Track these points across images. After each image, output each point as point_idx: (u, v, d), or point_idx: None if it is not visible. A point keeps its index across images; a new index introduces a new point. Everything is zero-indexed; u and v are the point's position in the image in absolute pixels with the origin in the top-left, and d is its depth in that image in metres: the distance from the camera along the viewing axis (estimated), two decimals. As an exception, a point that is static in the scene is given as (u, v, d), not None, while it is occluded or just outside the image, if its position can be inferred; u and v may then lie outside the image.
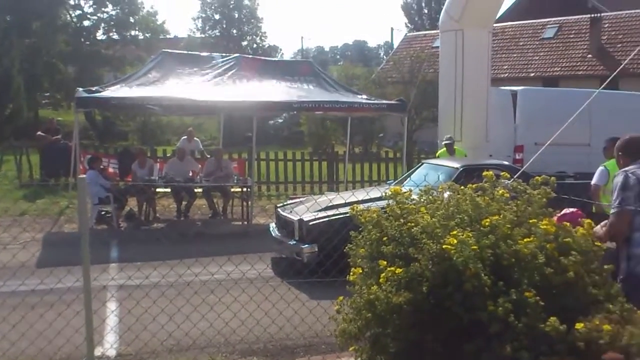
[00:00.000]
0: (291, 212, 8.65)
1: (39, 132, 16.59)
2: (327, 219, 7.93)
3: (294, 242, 8.14)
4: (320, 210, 8.03)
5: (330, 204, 7.87)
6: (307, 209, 7.97)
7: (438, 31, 14.45)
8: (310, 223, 7.95)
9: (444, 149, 11.93)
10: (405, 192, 4.46)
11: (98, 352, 5.02)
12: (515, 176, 5.02)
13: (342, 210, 7.80)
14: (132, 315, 5.46)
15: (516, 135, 14.07)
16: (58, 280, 5.43)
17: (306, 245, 7.86)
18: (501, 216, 4.03)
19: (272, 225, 9.17)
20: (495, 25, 15.82)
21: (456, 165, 9.45)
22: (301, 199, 9.79)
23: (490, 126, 13.11)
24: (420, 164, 10.75)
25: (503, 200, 4.30)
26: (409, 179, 9.34)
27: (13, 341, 5.08)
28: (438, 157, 11.77)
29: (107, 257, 8.96)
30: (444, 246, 3.75)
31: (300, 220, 8.10)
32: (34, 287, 6.09)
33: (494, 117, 13.31)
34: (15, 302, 5.98)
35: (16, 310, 5.69)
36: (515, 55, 28.02)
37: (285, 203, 9.70)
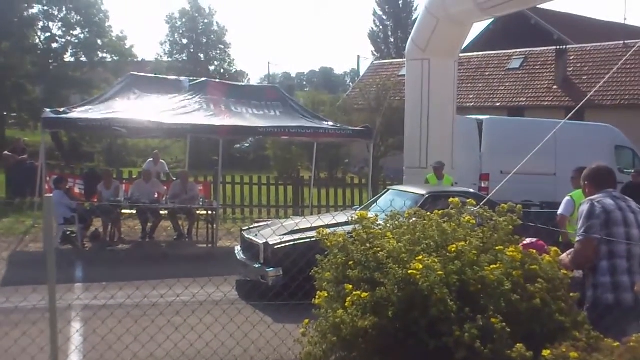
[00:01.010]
0: (256, 235, 8.66)
1: (5, 152, 16.36)
2: (292, 242, 7.97)
3: (259, 265, 8.15)
4: (285, 234, 8.07)
5: (296, 228, 7.92)
6: (272, 233, 8.00)
7: (404, 59, 14.73)
8: (276, 246, 7.97)
9: (432, 173, 11.99)
10: (371, 217, 4.52)
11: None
12: (481, 203, 5.14)
13: (307, 234, 7.82)
14: (97, 335, 5.44)
15: (482, 163, 14.34)
16: (23, 299, 5.34)
17: (271, 269, 7.89)
18: (467, 242, 4.10)
19: (238, 248, 9.16)
20: (461, 55, 16.20)
21: (422, 192, 9.58)
22: (267, 223, 9.81)
23: (456, 154, 13.34)
24: (386, 190, 10.86)
25: (469, 227, 4.38)
26: (375, 204, 9.43)
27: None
28: (427, 180, 11.82)
29: (72, 276, 8.83)
30: (409, 271, 3.80)
31: (266, 244, 8.12)
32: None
33: (460, 145, 13.55)
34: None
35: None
36: (481, 84, 28.63)
37: (250, 226, 9.70)
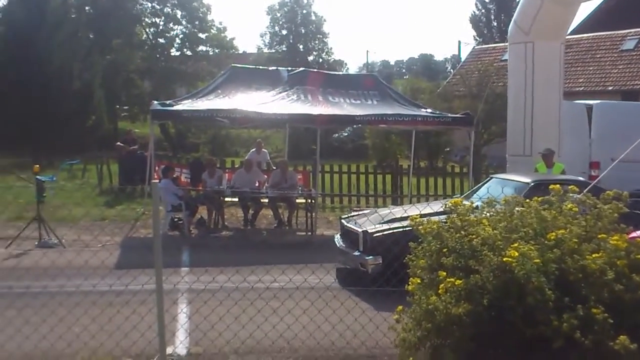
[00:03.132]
0: (355, 223, 8.72)
1: (118, 143, 17.38)
2: (390, 231, 7.97)
3: (359, 253, 8.17)
4: (383, 223, 8.09)
5: (393, 217, 7.94)
6: (370, 221, 7.99)
7: (507, 44, 14.23)
8: (375, 235, 8.01)
9: (541, 161, 11.57)
10: (466, 205, 4.45)
11: (169, 350, 5.24)
12: (585, 190, 4.92)
13: (404, 222, 7.87)
14: (200, 315, 5.73)
15: (591, 150, 13.63)
16: (133, 280, 5.70)
17: (370, 257, 7.89)
18: (568, 230, 3.96)
19: (337, 236, 9.26)
20: (569, 37, 15.40)
21: (526, 180, 9.18)
22: (365, 212, 9.84)
23: (563, 141, 12.75)
24: (489, 178, 10.56)
25: (571, 215, 4.22)
26: (475, 193, 9.21)
27: (93, 333, 5.38)
28: (536, 169, 11.43)
29: (178, 261, 9.30)
30: (505, 259, 3.73)
31: (365, 232, 8.15)
32: (111, 285, 6.40)
33: (568, 131, 12.94)
34: (95, 298, 6.39)
35: (96, 305, 6.07)
36: (592, 67, 27.12)
37: (350, 215, 9.77)
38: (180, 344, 5.70)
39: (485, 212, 4.45)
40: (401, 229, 7.70)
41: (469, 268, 3.93)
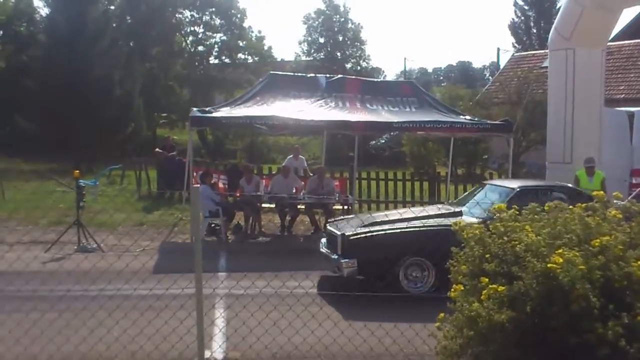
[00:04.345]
0: (337, 227, 8.66)
1: (156, 149, 17.63)
2: (368, 234, 7.95)
3: (336, 257, 8.03)
4: (363, 226, 8.16)
5: (374, 221, 8.11)
6: (351, 225, 8.14)
7: (547, 50, 14.04)
8: (351, 237, 7.91)
9: (583, 169, 11.38)
10: (510, 211, 4.41)
11: (207, 354, 5.28)
12: (631, 196, 4.83)
13: (385, 226, 8.06)
14: (239, 319, 5.79)
15: (633, 158, 13.36)
16: (172, 284, 5.78)
17: (345, 260, 7.79)
18: (612, 237, 3.89)
19: (322, 240, 9.16)
20: (610, 43, 15.13)
21: (513, 185, 9.13)
22: (352, 216, 9.82)
23: (604, 148, 12.51)
24: (481, 184, 10.44)
25: (615, 221, 4.15)
26: (470, 199, 9.13)
27: (132, 336, 5.47)
28: (577, 177, 11.22)
29: (215, 266, 9.39)
30: (549, 265, 3.68)
31: (342, 235, 8.05)
32: (151, 289, 6.50)
33: (608, 139, 12.70)
34: (134, 302, 6.49)
35: (136, 308, 6.16)
36: (633, 74, 26.50)
37: (335, 219, 9.73)
38: (218, 348, 5.75)
39: (528, 217, 4.38)
40: (379, 232, 7.92)
41: (511, 274, 3.89)
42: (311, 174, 14.61)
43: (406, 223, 8.09)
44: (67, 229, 10.54)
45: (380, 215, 8.58)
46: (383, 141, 29.76)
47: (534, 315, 3.69)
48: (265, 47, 36.87)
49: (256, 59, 36.14)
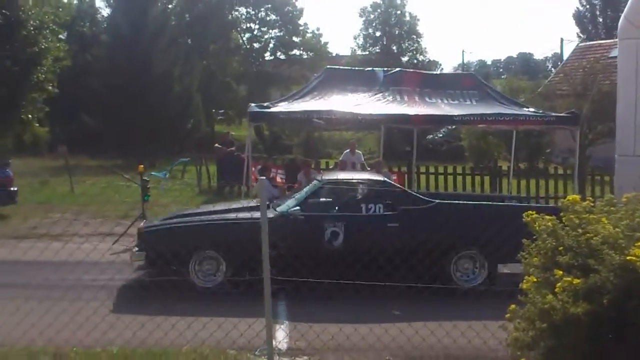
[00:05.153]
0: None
1: (216, 145, 17.95)
2: (159, 227, 7.85)
3: (137, 250, 7.72)
4: (169, 218, 8.24)
5: (183, 213, 8.25)
6: (161, 217, 8.28)
7: (615, 40, 13.53)
8: (143, 230, 7.74)
9: None
10: (584, 203, 4.25)
11: (273, 343, 5.31)
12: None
13: (186, 219, 8.04)
14: (303, 311, 5.89)
15: None
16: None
17: (136, 252, 7.57)
18: (695, 229, 3.71)
19: None
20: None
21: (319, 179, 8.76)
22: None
23: (676, 141, 11.93)
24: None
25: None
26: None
27: (204, 323, 5.57)
28: None
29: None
30: (628, 257, 3.55)
31: (139, 228, 7.96)
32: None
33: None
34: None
35: (204, 296, 6.22)
36: None
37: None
38: (282, 339, 5.79)
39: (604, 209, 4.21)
40: (169, 226, 7.77)
41: (586, 267, 3.76)
42: (368, 168, 14.55)
43: (204, 217, 8.03)
44: (133, 222, 10.77)
45: (191, 209, 8.74)
46: (440, 135, 29.35)
47: (611, 309, 3.57)
48: (321, 43, 36.97)
49: (311, 54, 36.28)
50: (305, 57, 36.79)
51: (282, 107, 12.74)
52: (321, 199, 7.91)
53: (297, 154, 28.30)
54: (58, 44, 20.05)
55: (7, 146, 24.64)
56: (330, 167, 15.88)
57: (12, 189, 13.02)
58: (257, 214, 6.67)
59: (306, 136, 29.21)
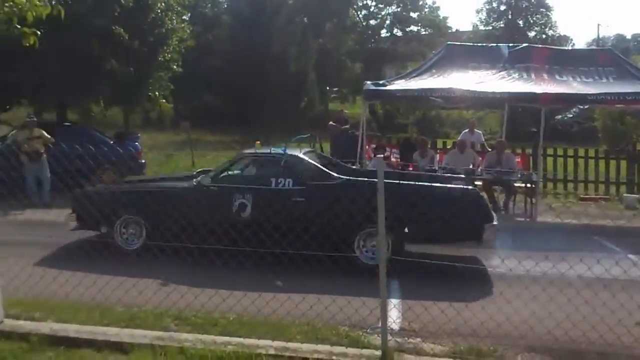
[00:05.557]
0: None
1: (330, 122, 17.84)
2: (90, 190, 8.49)
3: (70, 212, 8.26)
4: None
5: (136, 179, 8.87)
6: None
7: None
8: (76, 192, 8.23)
9: None
10: None
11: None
12: None
13: (125, 185, 8.73)
14: (417, 293, 5.76)
15: None
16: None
17: (70, 212, 8.14)
18: None
19: None
20: None
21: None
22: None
23: None
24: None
25: None
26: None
27: (311, 303, 5.42)
28: None
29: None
30: None
31: (74, 190, 8.34)
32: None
33: None
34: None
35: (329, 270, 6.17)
36: None
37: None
38: (395, 319, 5.59)
39: None
40: (97, 190, 8.54)
41: None
42: (489, 149, 13.84)
43: (139, 183, 8.74)
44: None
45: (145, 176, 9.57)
46: (571, 115, 27.57)
47: None
48: (440, 18, 35.86)
49: (430, 30, 35.30)
50: (424, 33, 35.86)
51: (399, 85, 12.50)
52: (236, 172, 8.25)
53: (411, 133, 27.73)
54: (182, 25, 20.80)
55: (136, 121, 26.07)
56: (448, 147, 15.25)
57: (141, 161, 14.07)
58: (180, 184, 7.99)
59: (422, 115, 28.55)
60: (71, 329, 4.94)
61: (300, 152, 8.38)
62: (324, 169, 7.87)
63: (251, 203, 7.54)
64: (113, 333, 4.89)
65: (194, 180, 8.06)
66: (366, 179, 7.57)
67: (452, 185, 7.91)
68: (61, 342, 4.72)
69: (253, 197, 7.57)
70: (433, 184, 7.81)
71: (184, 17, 22.12)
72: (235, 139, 22.21)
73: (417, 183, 7.83)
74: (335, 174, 7.78)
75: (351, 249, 7.35)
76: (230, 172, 8.15)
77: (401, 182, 7.63)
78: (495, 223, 7.28)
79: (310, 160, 8.02)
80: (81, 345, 4.67)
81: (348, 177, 7.81)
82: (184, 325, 5.18)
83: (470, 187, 7.87)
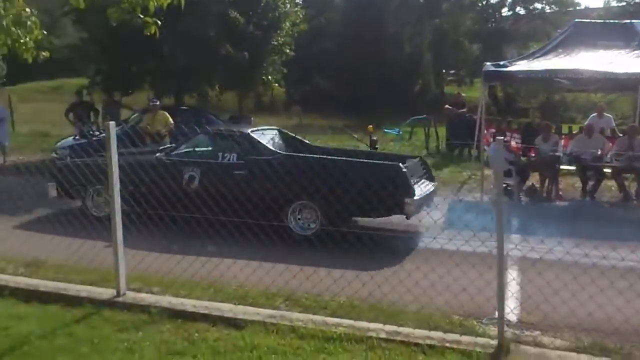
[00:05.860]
0: None
1: (446, 106, 17.41)
2: (63, 162, 9.47)
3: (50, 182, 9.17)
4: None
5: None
6: None
7: None
8: (52, 163, 9.23)
9: None
10: None
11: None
12: None
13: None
14: (533, 285, 5.51)
15: None
16: (466, 240, 5.45)
17: (50, 183, 8.99)
18: None
19: None
20: None
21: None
22: None
23: None
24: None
25: None
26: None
27: (432, 282, 5.40)
28: None
29: (508, 227, 8.73)
30: None
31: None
32: (441, 246, 6.22)
33: None
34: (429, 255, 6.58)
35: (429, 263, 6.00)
36: None
37: None
38: (511, 311, 5.29)
39: None
40: (67, 162, 9.29)
41: None
42: (620, 134, 12.88)
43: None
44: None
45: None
46: None
47: None
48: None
49: (556, 8, 33.31)
50: (549, 11, 33.89)
51: (521, 65, 12.04)
52: (190, 147, 9.08)
53: (534, 117, 26.35)
54: (295, 9, 20.97)
55: (249, 106, 26.79)
56: (574, 132, 14.35)
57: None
58: (144, 157, 8.57)
59: (545, 98, 27.09)
60: (188, 304, 5.17)
61: (253, 130, 9.13)
62: (266, 145, 8.61)
63: (199, 175, 8.47)
64: (227, 309, 5.06)
65: (156, 154, 9.04)
66: (302, 155, 8.55)
67: (374, 161, 8.36)
68: (179, 315, 4.94)
69: (201, 171, 8.51)
70: (354, 159, 8.40)
71: (297, 0, 22.29)
72: (347, 124, 22.22)
73: (340, 158, 8.41)
74: (276, 150, 8.57)
75: (286, 221, 8.06)
76: (187, 149, 9.05)
77: (325, 156, 8.43)
78: (415, 198, 7.63)
79: (254, 137, 8.70)
80: (197, 319, 4.86)
81: (288, 154, 8.59)
82: (294, 306, 5.25)
83: (393, 163, 8.17)
